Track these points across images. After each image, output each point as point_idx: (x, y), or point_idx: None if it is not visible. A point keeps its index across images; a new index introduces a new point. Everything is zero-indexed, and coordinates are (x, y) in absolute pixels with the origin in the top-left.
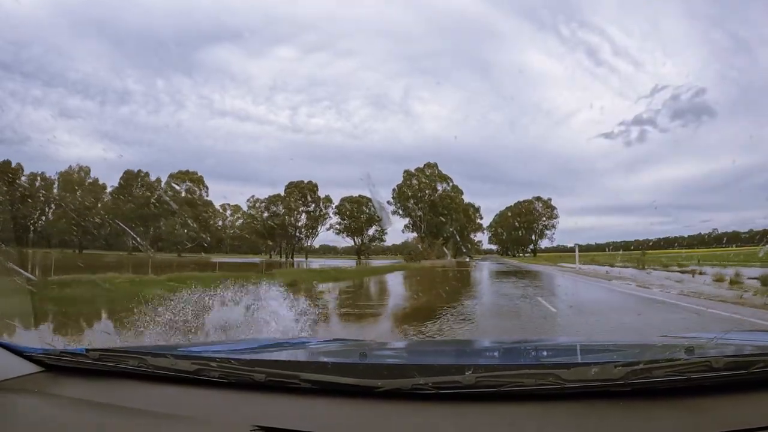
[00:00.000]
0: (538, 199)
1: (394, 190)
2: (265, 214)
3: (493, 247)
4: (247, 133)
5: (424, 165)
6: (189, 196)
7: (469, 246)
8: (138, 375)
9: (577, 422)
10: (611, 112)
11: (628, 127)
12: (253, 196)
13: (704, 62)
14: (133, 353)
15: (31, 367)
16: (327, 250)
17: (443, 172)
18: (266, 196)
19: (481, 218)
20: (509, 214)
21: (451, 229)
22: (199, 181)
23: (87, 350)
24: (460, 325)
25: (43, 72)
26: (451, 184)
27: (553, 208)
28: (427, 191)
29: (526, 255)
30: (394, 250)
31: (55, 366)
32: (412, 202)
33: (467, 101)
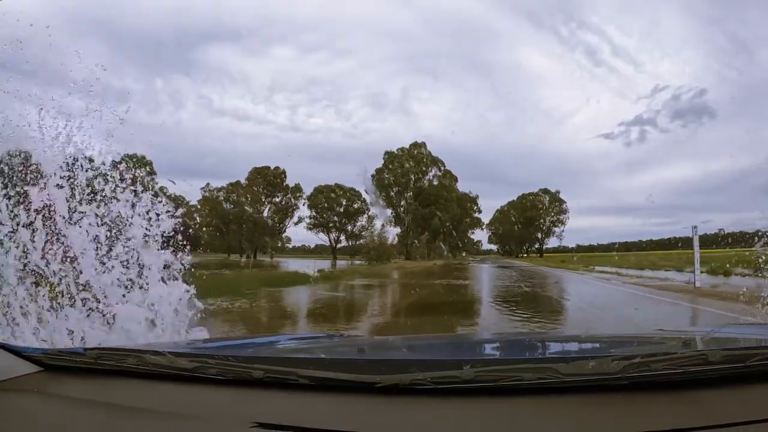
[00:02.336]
0: (546, 191)
1: (372, 176)
2: (227, 206)
3: (494, 247)
4: (246, 133)
5: (411, 145)
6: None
7: (466, 242)
8: (136, 373)
9: (575, 415)
10: (611, 112)
11: (628, 127)
12: (208, 184)
13: (704, 63)
14: (131, 352)
15: (29, 367)
16: (322, 249)
17: (434, 155)
18: (224, 184)
19: (480, 212)
20: (506, 209)
21: (447, 225)
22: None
23: (85, 349)
24: None
25: (42, 71)
26: (443, 168)
27: (562, 202)
28: (413, 177)
29: (532, 255)
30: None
31: (54, 365)
32: (395, 189)
33: (466, 101)
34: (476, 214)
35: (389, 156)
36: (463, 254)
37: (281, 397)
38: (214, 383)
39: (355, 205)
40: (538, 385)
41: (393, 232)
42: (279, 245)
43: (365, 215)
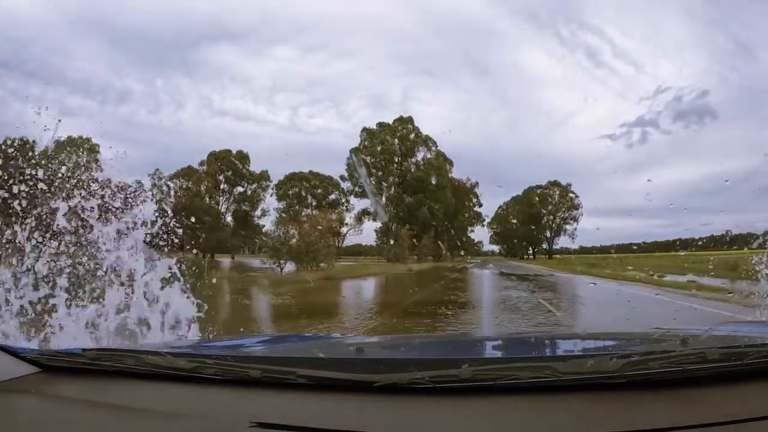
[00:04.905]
0: (555, 184)
1: (348, 158)
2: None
3: (495, 248)
4: (247, 133)
5: (395, 120)
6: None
7: (465, 241)
8: (135, 374)
9: (573, 414)
10: (613, 113)
11: (630, 128)
12: (157, 171)
13: (706, 64)
14: (129, 352)
15: (27, 368)
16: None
17: (423, 133)
18: (176, 169)
19: (480, 205)
20: (510, 205)
21: (441, 218)
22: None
23: (83, 350)
24: None
25: (44, 71)
26: (434, 149)
27: (574, 196)
28: (396, 159)
29: (539, 257)
30: (371, 249)
31: (52, 366)
32: (375, 174)
33: (466, 102)
34: (476, 208)
35: (367, 133)
36: (462, 253)
37: (280, 397)
38: (212, 383)
39: (332, 196)
40: (536, 384)
41: (372, 227)
42: (271, 244)
43: (344, 207)
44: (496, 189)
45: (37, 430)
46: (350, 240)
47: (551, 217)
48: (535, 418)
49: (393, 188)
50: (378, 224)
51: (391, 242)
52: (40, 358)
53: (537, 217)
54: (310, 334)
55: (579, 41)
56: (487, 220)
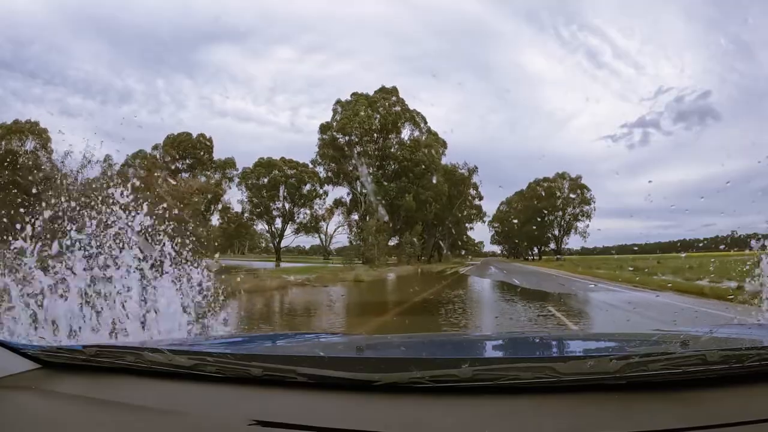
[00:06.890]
0: (563, 176)
1: (319, 139)
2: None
3: (497, 249)
4: (248, 134)
5: (376, 92)
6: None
7: (465, 240)
8: (135, 371)
9: (573, 414)
10: (614, 114)
11: (631, 129)
12: (108, 156)
13: (707, 65)
14: (129, 349)
15: (27, 364)
16: (318, 251)
17: (410, 108)
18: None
19: (481, 198)
20: (513, 201)
21: (437, 216)
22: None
23: (84, 347)
24: None
25: (44, 71)
26: (425, 126)
27: (586, 189)
28: (378, 136)
29: (546, 258)
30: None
31: (52, 363)
32: (350, 155)
33: (467, 103)
34: (476, 201)
35: (340, 105)
36: (464, 253)
37: (280, 395)
38: (212, 381)
39: (308, 186)
40: (536, 384)
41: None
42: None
43: (323, 200)
44: (496, 190)
45: (37, 426)
46: (345, 240)
47: (560, 213)
48: (535, 418)
49: (371, 171)
50: (354, 217)
51: (370, 239)
52: (41, 355)
53: (543, 213)
54: (310, 333)
55: (579, 42)
56: (488, 218)
